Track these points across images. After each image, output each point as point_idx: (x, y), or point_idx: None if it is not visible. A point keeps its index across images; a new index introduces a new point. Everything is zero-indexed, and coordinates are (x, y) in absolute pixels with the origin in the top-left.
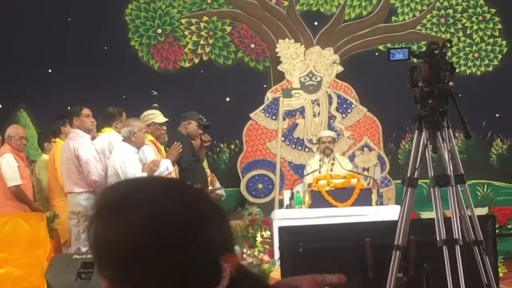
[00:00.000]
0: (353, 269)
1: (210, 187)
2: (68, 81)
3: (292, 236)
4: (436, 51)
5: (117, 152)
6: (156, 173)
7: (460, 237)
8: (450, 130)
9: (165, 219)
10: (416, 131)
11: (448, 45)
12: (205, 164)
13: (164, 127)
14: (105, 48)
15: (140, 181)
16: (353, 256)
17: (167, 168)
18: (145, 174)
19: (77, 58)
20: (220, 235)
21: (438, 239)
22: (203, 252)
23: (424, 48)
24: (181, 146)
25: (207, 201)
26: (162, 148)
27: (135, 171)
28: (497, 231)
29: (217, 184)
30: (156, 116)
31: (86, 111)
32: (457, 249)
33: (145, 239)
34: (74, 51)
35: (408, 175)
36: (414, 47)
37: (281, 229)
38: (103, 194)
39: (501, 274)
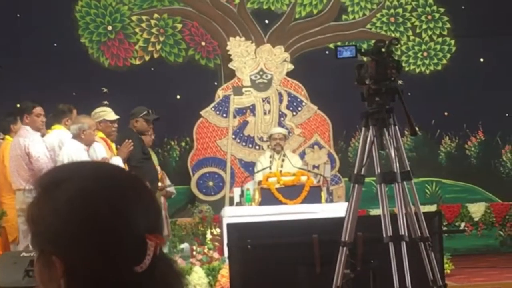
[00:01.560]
0: (301, 265)
1: (160, 184)
2: (18, 77)
3: (240, 233)
4: (383, 49)
5: (65, 149)
6: None
7: (406, 234)
8: (397, 127)
9: (92, 196)
10: (363, 128)
11: (395, 43)
12: (155, 161)
13: (115, 124)
14: (55, 45)
15: (74, 164)
16: (301, 252)
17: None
18: None
19: (26, 55)
20: (147, 214)
21: (384, 235)
22: (129, 229)
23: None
24: (132, 143)
25: (137, 182)
26: (113, 145)
27: None
28: (445, 228)
29: (168, 182)
30: (107, 113)
31: (38, 110)
32: (403, 245)
33: (71, 215)
34: (23, 47)
35: (355, 172)
36: (364, 46)
37: (230, 226)
38: (41, 176)
39: (448, 271)
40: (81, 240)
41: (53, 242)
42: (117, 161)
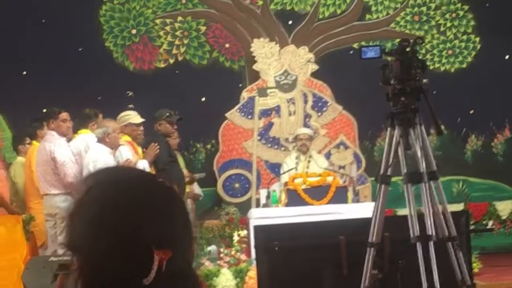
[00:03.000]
0: (328, 266)
1: (189, 175)
2: (43, 83)
3: (267, 235)
4: (407, 49)
5: (91, 152)
6: None
7: (434, 234)
8: (423, 127)
9: (106, 203)
10: (389, 129)
11: (420, 42)
12: (182, 163)
13: (141, 128)
14: (80, 49)
15: (106, 170)
16: (328, 254)
17: (143, 168)
18: None
19: (51, 60)
20: (160, 228)
21: (411, 235)
22: (136, 240)
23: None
24: (158, 146)
25: (162, 194)
26: (139, 149)
27: None
28: (472, 227)
29: (196, 185)
30: (133, 117)
31: (63, 115)
32: (431, 245)
33: (87, 219)
34: (48, 52)
35: (381, 172)
36: (389, 45)
37: (257, 228)
38: (79, 181)
39: (476, 270)
40: (92, 244)
41: (73, 242)
42: (144, 164)
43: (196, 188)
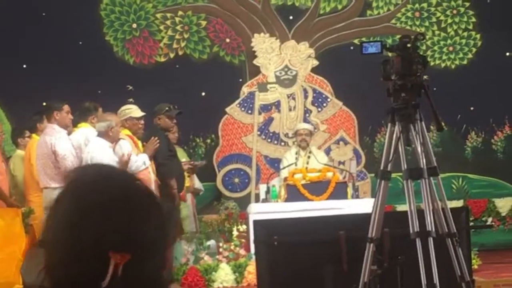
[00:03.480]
0: (328, 262)
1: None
2: (43, 76)
3: (266, 230)
4: (408, 45)
5: (91, 146)
6: (133, 168)
7: (433, 229)
8: (423, 123)
9: (72, 205)
10: (389, 124)
11: (421, 38)
12: (183, 157)
13: (142, 121)
14: (80, 43)
15: (81, 170)
16: (327, 249)
17: (144, 163)
18: None
19: (51, 54)
20: (122, 231)
21: (411, 231)
22: (93, 242)
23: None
24: (158, 140)
25: (127, 200)
26: (139, 143)
27: None
28: (472, 223)
29: (196, 179)
30: (133, 110)
31: (67, 107)
32: (430, 241)
33: (53, 226)
34: (48, 46)
35: (381, 168)
36: (389, 41)
37: (256, 223)
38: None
39: (476, 266)
40: (53, 242)
41: (42, 239)
42: (144, 158)
43: (197, 183)
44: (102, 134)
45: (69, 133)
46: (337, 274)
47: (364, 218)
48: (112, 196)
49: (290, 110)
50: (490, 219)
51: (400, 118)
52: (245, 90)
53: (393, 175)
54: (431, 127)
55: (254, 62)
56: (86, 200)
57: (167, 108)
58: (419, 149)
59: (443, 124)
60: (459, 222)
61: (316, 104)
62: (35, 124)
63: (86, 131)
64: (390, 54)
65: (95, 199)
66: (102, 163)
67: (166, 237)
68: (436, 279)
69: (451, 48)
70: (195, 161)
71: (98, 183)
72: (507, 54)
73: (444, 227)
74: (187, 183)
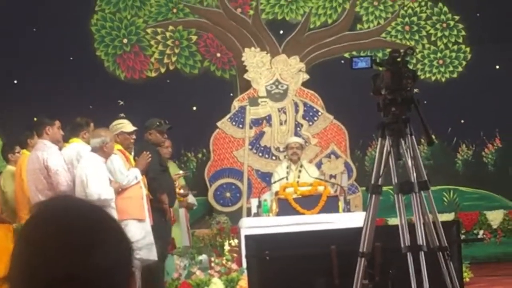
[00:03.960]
0: (319, 276)
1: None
2: (34, 92)
3: (258, 244)
4: (398, 59)
5: (85, 162)
6: (125, 183)
7: (424, 244)
8: (413, 137)
9: (24, 239)
10: (380, 139)
11: (410, 52)
12: (174, 170)
13: (133, 136)
14: (71, 58)
15: (44, 203)
16: (319, 263)
17: (135, 177)
18: (111, 189)
19: (42, 69)
20: (71, 261)
21: (402, 245)
22: (44, 275)
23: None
24: (150, 155)
25: (87, 225)
26: (131, 157)
27: (100, 183)
28: (463, 236)
29: (190, 195)
30: (125, 125)
31: (58, 123)
32: (422, 255)
33: (12, 263)
34: (39, 61)
35: (372, 182)
36: (380, 55)
37: (247, 238)
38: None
39: (467, 279)
40: (9, 273)
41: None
42: (135, 173)
43: (190, 198)
44: (96, 149)
45: (60, 149)
46: None
47: (355, 232)
48: (71, 225)
49: (281, 124)
50: (481, 232)
51: (390, 133)
52: (236, 104)
53: (385, 188)
54: (422, 140)
55: (245, 76)
56: (40, 239)
57: (158, 123)
58: (409, 163)
59: (433, 137)
60: (450, 235)
61: (307, 118)
62: (26, 140)
63: (77, 147)
64: (380, 68)
65: (47, 232)
66: (71, 195)
67: (128, 264)
68: None
69: (441, 62)
70: (180, 171)
71: (51, 217)
72: (497, 67)
73: (435, 241)
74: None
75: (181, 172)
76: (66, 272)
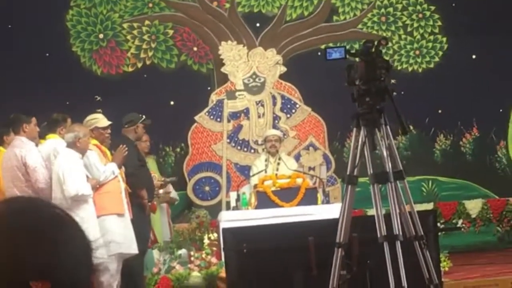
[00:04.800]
0: (297, 268)
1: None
2: (10, 88)
3: (236, 237)
4: (372, 49)
5: (61, 158)
6: (102, 178)
7: (400, 233)
8: (388, 127)
9: None
10: (355, 129)
11: (384, 43)
12: (153, 167)
13: (108, 131)
14: (47, 54)
15: (8, 201)
16: (297, 255)
17: (112, 172)
18: (88, 185)
19: (18, 65)
20: (42, 260)
21: (379, 235)
22: (15, 274)
23: None
24: (126, 149)
25: (49, 223)
26: (107, 152)
27: (77, 179)
28: (442, 226)
29: (171, 187)
30: (99, 120)
31: (34, 120)
32: (398, 245)
33: None
34: (15, 58)
35: (348, 172)
36: (356, 46)
37: (225, 231)
38: None
39: (446, 268)
40: None
41: None
42: (112, 167)
43: (172, 192)
44: (70, 145)
45: (36, 145)
46: (306, 279)
47: (333, 224)
48: (28, 226)
49: (259, 117)
50: (460, 221)
51: (365, 123)
52: (213, 98)
53: (363, 179)
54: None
55: (222, 70)
56: (2, 233)
57: (143, 117)
58: (384, 153)
59: (408, 127)
60: (427, 225)
61: (285, 111)
62: (2, 137)
63: (54, 143)
64: (354, 59)
65: (12, 231)
66: (30, 196)
67: (87, 262)
68: (404, 282)
69: (417, 52)
70: (166, 178)
71: (15, 215)
72: (473, 56)
73: (412, 230)
74: (162, 192)
75: (168, 179)
76: (42, 265)
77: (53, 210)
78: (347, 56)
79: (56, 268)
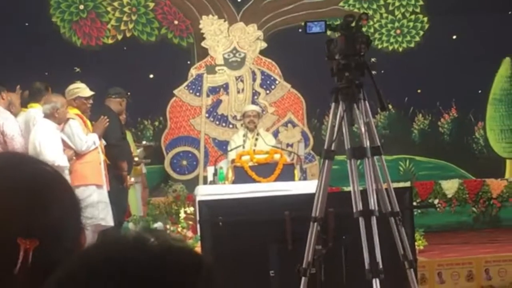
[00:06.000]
0: (273, 241)
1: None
2: None
3: (211, 210)
4: (352, 24)
5: (37, 129)
6: (84, 148)
7: (376, 209)
8: (367, 102)
9: None
10: (333, 104)
11: (364, 18)
12: (129, 138)
13: (90, 101)
14: (26, 24)
15: None
16: (272, 229)
17: (94, 142)
18: (65, 156)
19: None
20: (30, 217)
21: (354, 210)
22: (2, 235)
23: None
24: (107, 120)
25: (34, 183)
26: (88, 122)
27: (53, 150)
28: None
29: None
30: (82, 90)
31: (18, 88)
32: (373, 220)
33: None
34: None
35: (325, 147)
36: (337, 23)
37: (201, 203)
38: None
39: (421, 247)
40: None
41: None
42: (94, 138)
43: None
44: (48, 115)
45: (15, 115)
46: (282, 253)
47: (309, 199)
48: (16, 183)
49: (238, 92)
50: (436, 201)
51: (343, 98)
52: (193, 72)
53: (342, 157)
54: (378, 109)
55: (202, 44)
56: None
57: (128, 93)
58: (362, 128)
59: (386, 103)
60: (403, 202)
61: (264, 87)
62: None
63: (35, 112)
64: (335, 33)
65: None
66: (17, 151)
67: (76, 222)
68: (379, 258)
69: (398, 31)
70: (146, 142)
71: (2, 171)
72: (454, 37)
73: (388, 206)
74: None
75: (145, 142)
76: (29, 221)
77: (43, 167)
78: (327, 30)
79: (44, 226)
